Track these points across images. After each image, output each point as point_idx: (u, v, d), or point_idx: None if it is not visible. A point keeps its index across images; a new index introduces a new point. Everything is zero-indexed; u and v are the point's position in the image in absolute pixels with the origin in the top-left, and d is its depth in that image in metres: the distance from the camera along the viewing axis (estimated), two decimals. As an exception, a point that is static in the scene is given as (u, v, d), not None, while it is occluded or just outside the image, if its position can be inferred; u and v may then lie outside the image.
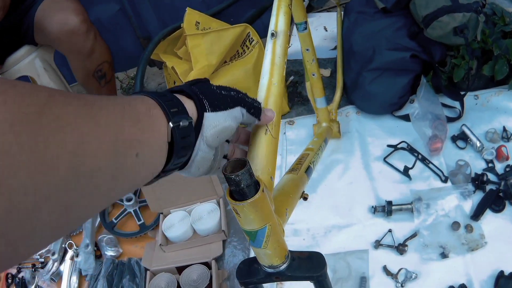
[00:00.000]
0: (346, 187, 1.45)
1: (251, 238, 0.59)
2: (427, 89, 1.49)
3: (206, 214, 1.51)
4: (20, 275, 1.69)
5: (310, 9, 2.44)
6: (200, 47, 1.65)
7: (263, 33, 1.91)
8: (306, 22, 1.31)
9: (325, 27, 2.36)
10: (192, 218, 1.51)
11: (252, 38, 1.72)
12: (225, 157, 0.66)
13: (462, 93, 1.55)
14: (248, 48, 1.73)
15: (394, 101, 1.60)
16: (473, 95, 1.63)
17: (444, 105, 1.58)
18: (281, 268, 0.63)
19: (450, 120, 1.54)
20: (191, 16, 1.72)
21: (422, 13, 1.48)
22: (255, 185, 0.55)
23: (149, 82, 2.48)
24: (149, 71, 2.53)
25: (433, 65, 1.58)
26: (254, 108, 0.62)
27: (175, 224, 1.52)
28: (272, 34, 0.85)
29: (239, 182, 0.54)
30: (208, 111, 0.55)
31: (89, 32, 1.68)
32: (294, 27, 2.10)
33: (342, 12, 1.92)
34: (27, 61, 1.82)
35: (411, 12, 1.55)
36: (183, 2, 2.02)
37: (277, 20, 0.90)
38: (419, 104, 1.46)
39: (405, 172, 1.42)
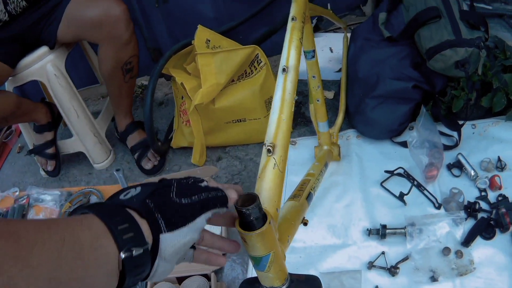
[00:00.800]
0: (343, 209, 1.51)
1: (256, 263, 0.65)
2: (426, 118, 1.55)
3: (207, 228, 1.56)
4: None
5: (316, 29, 2.51)
6: (210, 66, 1.72)
7: (270, 52, 1.99)
8: (314, 51, 1.38)
9: (331, 48, 2.42)
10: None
11: (260, 60, 1.78)
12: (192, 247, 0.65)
13: (460, 122, 1.61)
14: (256, 68, 1.80)
15: (394, 127, 1.66)
16: (470, 124, 1.69)
17: (442, 134, 1.65)
18: (280, 289, 0.70)
19: (447, 148, 1.60)
20: (202, 34, 1.79)
21: (426, 45, 1.54)
22: (263, 218, 0.61)
23: (156, 92, 2.54)
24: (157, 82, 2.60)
25: (433, 95, 1.64)
26: (219, 203, 0.59)
27: None
28: (284, 70, 0.92)
29: (249, 215, 0.60)
30: (164, 232, 0.51)
31: (129, 22, 1.78)
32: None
33: (349, 35, 2.00)
34: (39, 66, 1.88)
35: (416, 43, 1.61)
36: (195, 18, 2.09)
37: (289, 55, 0.96)
38: (417, 133, 1.53)
39: (401, 197, 1.49)
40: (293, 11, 1.11)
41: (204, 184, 0.62)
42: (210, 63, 1.73)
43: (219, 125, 1.88)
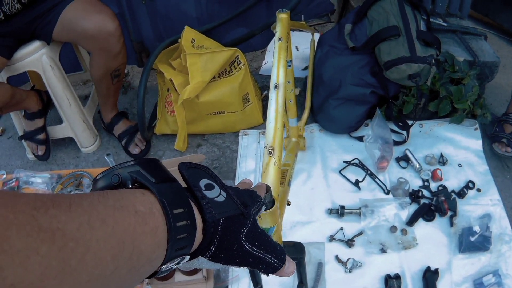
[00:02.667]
0: (308, 192, 1.81)
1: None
2: (380, 119, 1.85)
3: None
4: None
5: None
6: (197, 65, 1.95)
7: (244, 49, 2.23)
8: (291, 60, 1.65)
9: (297, 47, 2.69)
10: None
11: (240, 61, 2.04)
12: None
13: (410, 123, 1.91)
14: (236, 68, 2.05)
15: (352, 125, 1.96)
16: (418, 123, 2.00)
17: (393, 131, 1.95)
18: (277, 253, 0.98)
19: (397, 143, 1.91)
20: (188, 34, 2.02)
21: (384, 59, 1.79)
22: (273, 201, 0.89)
23: (134, 79, 2.74)
24: (136, 70, 2.79)
25: (387, 99, 1.95)
26: (271, 269, 0.56)
27: None
28: (275, 87, 1.18)
29: (265, 199, 0.88)
30: (205, 257, 0.50)
31: (121, 36, 1.92)
32: (270, 44, 2.44)
33: (316, 40, 2.26)
34: (35, 57, 2.00)
35: (375, 54, 1.86)
36: (178, 16, 2.30)
37: (278, 74, 1.22)
38: (372, 131, 1.83)
39: (356, 184, 1.79)
40: (279, 31, 1.35)
41: (271, 231, 0.73)
42: (197, 62, 1.96)
43: (201, 116, 2.12)
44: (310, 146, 2.00)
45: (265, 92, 2.41)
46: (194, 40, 2.04)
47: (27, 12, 1.90)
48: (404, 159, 1.87)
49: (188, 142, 2.23)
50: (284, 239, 1.63)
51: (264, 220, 0.90)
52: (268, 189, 0.88)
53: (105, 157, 2.10)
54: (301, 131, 1.99)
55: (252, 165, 1.99)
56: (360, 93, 1.87)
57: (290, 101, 1.79)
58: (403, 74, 1.75)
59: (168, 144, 2.26)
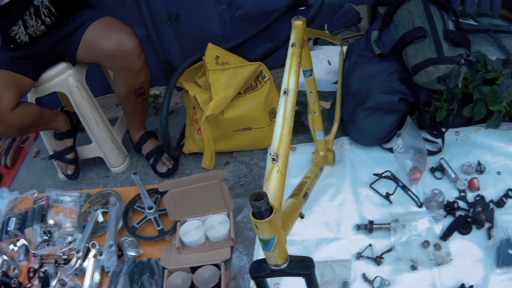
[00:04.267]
0: (336, 207, 1.72)
1: (264, 244, 0.86)
2: (412, 127, 1.74)
3: (218, 224, 1.76)
4: (43, 269, 1.87)
5: (315, 42, 2.70)
6: (220, 81, 1.92)
7: (273, 66, 2.19)
8: (311, 70, 1.59)
9: (329, 61, 2.61)
10: (206, 227, 1.77)
11: (264, 75, 1.99)
12: None
13: (443, 130, 1.79)
14: (261, 83, 2.00)
15: (383, 135, 1.86)
16: (454, 131, 1.87)
17: (428, 140, 1.83)
18: (282, 266, 0.90)
19: (431, 153, 1.80)
20: (211, 51, 2.00)
21: (412, 62, 1.70)
22: (270, 210, 0.82)
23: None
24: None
25: (418, 106, 1.84)
26: None
27: (191, 231, 1.77)
28: (284, 92, 1.12)
29: (260, 207, 0.81)
30: None
31: (141, 54, 1.92)
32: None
33: (345, 51, 2.19)
34: (61, 79, 2.04)
35: (403, 59, 1.77)
36: (203, 34, 2.30)
37: (289, 79, 1.17)
38: (402, 140, 1.73)
39: (387, 197, 1.69)
40: (293, 38, 1.31)
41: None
42: (220, 78, 1.93)
43: (227, 133, 2.08)
44: (340, 160, 1.91)
45: (296, 108, 2.34)
46: (219, 57, 2.02)
47: (52, 34, 1.95)
48: (439, 169, 1.75)
49: (215, 160, 2.19)
50: (308, 256, 1.56)
51: (261, 230, 0.84)
52: (262, 195, 0.81)
53: (132, 176, 2.10)
54: (330, 144, 1.91)
55: (279, 181, 1.92)
56: (389, 100, 1.77)
57: (315, 112, 1.72)
58: (431, 77, 1.66)
59: (196, 163, 2.23)
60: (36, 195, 2.28)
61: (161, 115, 1.97)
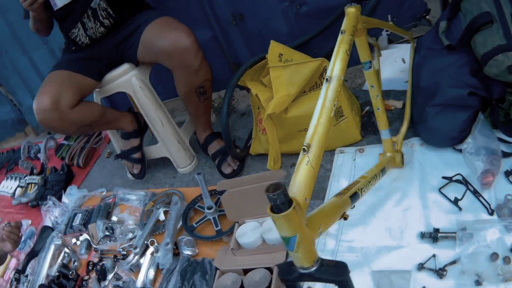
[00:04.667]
0: (401, 213, 1.57)
1: (286, 243, 0.78)
2: (484, 125, 1.55)
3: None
4: (101, 263, 1.93)
5: (390, 41, 2.55)
6: (281, 78, 1.85)
7: (350, 64, 2.07)
8: (370, 62, 1.47)
9: (403, 59, 2.45)
10: (263, 229, 1.70)
11: (327, 71, 1.89)
12: None
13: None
14: (325, 80, 1.90)
15: (454, 135, 1.67)
16: (533, 130, 1.65)
17: (502, 140, 1.63)
18: (311, 270, 0.81)
19: (507, 155, 1.58)
20: (274, 49, 1.93)
21: (480, 52, 1.52)
22: (289, 203, 0.74)
23: (239, 103, 2.72)
24: (240, 94, 2.76)
25: (491, 102, 1.64)
26: None
27: (248, 232, 1.71)
28: (327, 80, 1.03)
29: (276, 200, 0.73)
30: None
31: (198, 51, 1.91)
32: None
33: (416, 46, 2.03)
34: (125, 79, 2.10)
35: (473, 50, 1.59)
36: (269, 33, 2.26)
37: (334, 66, 1.07)
38: (472, 140, 1.54)
39: (455, 202, 1.51)
40: (344, 24, 1.22)
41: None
42: (281, 75, 1.86)
43: (292, 133, 2.00)
44: (409, 162, 1.76)
45: (367, 108, 2.21)
46: (282, 55, 1.95)
47: (112, 36, 2.01)
48: (515, 173, 1.54)
49: (282, 162, 2.12)
50: (365, 266, 1.44)
51: (278, 226, 0.75)
52: (279, 186, 0.73)
53: (196, 175, 2.09)
54: (398, 145, 1.76)
55: (344, 184, 1.80)
56: (458, 95, 1.60)
57: (378, 109, 1.60)
58: (501, 66, 1.46)
59: (263, 164, 2.18)
60: (104, 193, 2.36)
61: (222, 115, 1.94)
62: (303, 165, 0.85)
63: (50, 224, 2.30)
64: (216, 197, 2.02)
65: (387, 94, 2.19)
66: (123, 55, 2.09)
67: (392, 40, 2.51)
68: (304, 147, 0.87)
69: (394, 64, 2.42)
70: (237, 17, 2.26)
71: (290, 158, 2.12)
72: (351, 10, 1.27)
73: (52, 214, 2.33)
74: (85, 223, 2.15)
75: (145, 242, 1.90)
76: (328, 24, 2.13)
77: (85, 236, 2.05)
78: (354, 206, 1.15)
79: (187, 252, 1.81)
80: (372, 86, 1.53)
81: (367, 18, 1.42)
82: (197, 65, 1.92)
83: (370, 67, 1.48)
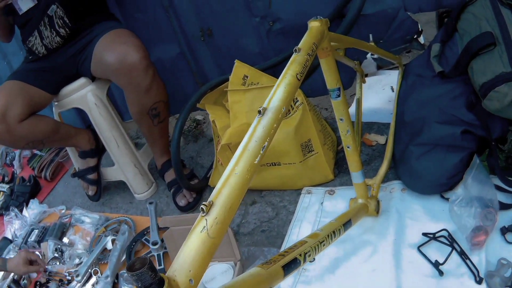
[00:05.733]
0: (368, 274, 1.30)
1: None
2: (479, 171, 1.30)
3: (219, 275, 1.48)
4: (48, 285, 1.84)
5: (379, 66, 2.31)
6: (241, 104, 1.62)
7: (308, 93, 1.83)
8: (339, 89, 1.22)
9: (392, 87, 2.21)
10: (205, 278, 1.45)
11: (296, 99, 1.64)
12: None
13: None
14: (293, 108, 1.65)
15: (443, 181, 1.41)
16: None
17: (501, 189, 1.37)
18: None
19: (505, 207, 1.32)
20: (239, 69, 1.68)
21: (479, 81, 1.29)
22: (159, 284, 0.49)
23: (209, 127, 2.48)
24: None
25: (489, 143, 1.39)
26: None
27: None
28: (259, 112, 0.78)
29: (138, 281, 0.48)
30: None
31: (148, 69, 1.71)
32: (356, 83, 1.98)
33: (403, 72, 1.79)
34: (80, 95, 1.94)
35: (470, 78, 1.36)
36: (239, 51, 2.03)
37: (274, 94, 0.84)
38: (463, 189, 1.29)
39: (436, 266, 1.24)
40: (302, 41, 0.98)
41: None
42: (242, 100, 1.62)
43: (255, 166, 1.75)
44: (386, 210, 1.50)
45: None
46: (247, 77, 1.69)
47: (69, 47, 1.87)
48: (512, 230, 1.27)
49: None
50: None
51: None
52: (143, 262, 0.49)
53: (148, 205, 1.87)
54: (374, 190, 1.50)
55: (307, 231, 1.55)
56: (448, 133, 1.36)
57: (348, 147, 1.34)
58: (504, 100, 1.22)
59: (223, 198, 1.92)
60: (64, 211, 2.27)
61: (172, 142, 1.70)
62: (196, 232, 0.59)
63: (9, 236, 2.22)
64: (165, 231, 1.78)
65: (369, 127, 1.94)
66: (78, 68, 1.92)
67: (381, 66, 2.27)
68: (202, 206, 0.61)
69: (382, 92, 2.19)
70: (206, 33, 2.03)
71: (251, 195, 1.86)
72: (314, 25, 1.03)
73: (13, 226, 2.26)
74: (40, 240, 2.07)
75: (89, 270, 1.78)
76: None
77: (37, 254, 1.91)
78: (314, 259, 0.93)
79: (125, 288, 1.62)
80: (341, 119, 1.28)
81: (338, 36, 1.18)
82: (147, 84, 1.72)
83: (339, 96, 1.23)
